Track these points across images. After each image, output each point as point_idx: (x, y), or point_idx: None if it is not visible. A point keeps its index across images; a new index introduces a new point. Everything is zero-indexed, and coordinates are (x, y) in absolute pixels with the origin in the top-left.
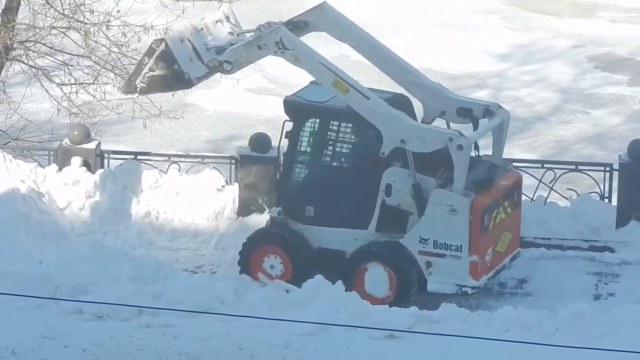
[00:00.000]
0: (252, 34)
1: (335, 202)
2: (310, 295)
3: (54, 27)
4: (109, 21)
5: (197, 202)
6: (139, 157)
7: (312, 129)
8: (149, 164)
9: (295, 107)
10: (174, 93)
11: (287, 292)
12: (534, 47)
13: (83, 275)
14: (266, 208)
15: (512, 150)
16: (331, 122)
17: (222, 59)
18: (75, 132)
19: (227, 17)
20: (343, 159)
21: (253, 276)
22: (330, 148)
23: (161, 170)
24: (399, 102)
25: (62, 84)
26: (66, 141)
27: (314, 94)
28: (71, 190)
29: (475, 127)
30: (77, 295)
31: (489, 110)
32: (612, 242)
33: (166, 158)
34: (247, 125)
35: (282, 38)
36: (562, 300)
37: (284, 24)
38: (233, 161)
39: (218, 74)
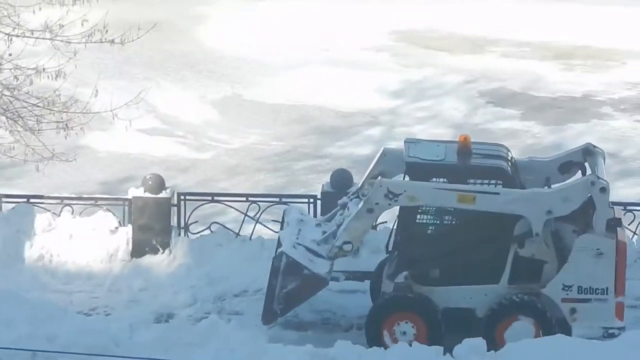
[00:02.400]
0: (358, 206)
1: (463, 259)
2: (206, 335)
3: None
4: (0, 64)
5: (90, 244)
6: (31, 200)
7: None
8: (42, 207)
9: (419, 168)
10: (67, 135)
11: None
12: (426, 84)
13: None
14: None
15: None
16: (455, 180)
17: (339, 243)
18: None
19: (302, 214)
20: (470, 216)
21: (383, 345)
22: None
23: (54, 213)
24: (502, 153)
25: None
26: None
27: (425, 153)
28: None
29: (584, 173)
30: None
31: (587, 151)
32: None
33: (59, 201)
34: (140, 167)
35: (389, 188)
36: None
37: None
38: (126, 203)
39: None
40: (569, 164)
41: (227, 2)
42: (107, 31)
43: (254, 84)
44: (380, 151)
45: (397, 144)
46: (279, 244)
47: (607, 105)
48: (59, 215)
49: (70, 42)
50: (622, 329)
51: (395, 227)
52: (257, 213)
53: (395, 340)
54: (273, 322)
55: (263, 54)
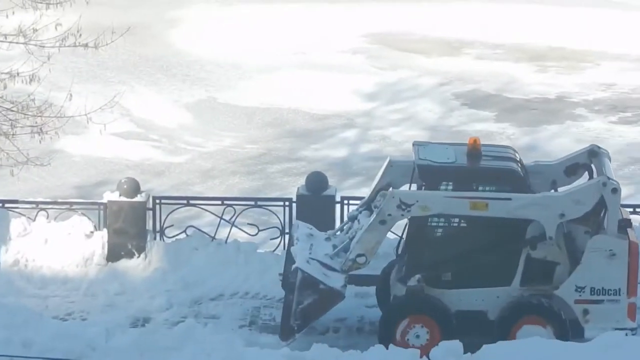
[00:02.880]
0: (371, 218)
1: (475, 261)
2: (182, 339)
3: None
4: None
5: (66, 249)
6: (6, 205)
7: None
8: (16, 212)
9: (432, 171)
10: (41, 140)
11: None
12: (401, 86)
13: None
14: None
15: None
16: (468, 182)
17: (353, 256)
18: None
19: (310, 229)
20: (482, 218)
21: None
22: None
23: (29, 218)
24: (510, 155)
25: None
26: None
27: (436, 155)
28: None
29: (591, 174)
30: None
31: (593, 152)
32: None
33: (34, 205)
34: (115, 171)
35: (401, 198)
36: None
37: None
38: (101, 207)
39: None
40: (575, 166)
41: (201, 6)
42: (80, 35)
43: (228, 87)
44: (386, 162)
45: (373, 147)
46: (288, 260)
47: (581, 107)
48: (34, 219)
49: (44, 46)
50: (634, 329)
51: (405, 230)
52: (232, 216)
53: (407, 343)
54: (291, 338)
55: (237, 58)
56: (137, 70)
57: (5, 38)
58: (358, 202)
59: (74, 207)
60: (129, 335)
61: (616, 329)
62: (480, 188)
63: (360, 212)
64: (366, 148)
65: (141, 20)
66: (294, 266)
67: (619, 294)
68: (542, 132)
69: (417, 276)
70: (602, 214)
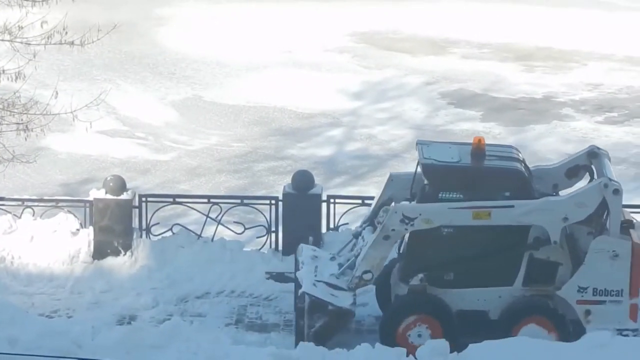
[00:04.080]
0: (374, 234)
1: (477, 261)
2: (168, 337)
3: None
4: None
5: (52, 246)
6: None
7: (451, 189)
8: (2, 209)
9: (436, 170)
10: (27, 137)
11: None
12: (387, 85)
13: None
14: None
15: (368, 188)
16: (470, 180)
17: (359, 273)
18: None
19: (315, 250)
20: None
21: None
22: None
23: (15, 215)
24: (514, 155)
25: None
26: None
27: (440, 154)
28: None
29: (592, 176)
30: None
31: (592, 153)
32: None
33: (20, 203)
34: (101, 168)
35: (404, 213)
36: None
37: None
38: (87, 204)
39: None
40: (575, 168)
41: (188, 4)
42: (66, 33)
43: (214, 85)
44: (387, 177)
45: (359, 146)
46: (297, 284)
47: (567, 107)
48: (20, 217)
49: (29, 44)
50: (636, 330)
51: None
52: (218, 214)
53: (409, 342)
54: None
55: (224, 56)
56: (123, 68)
57: None
58: (344, 200)
59: (60, 204)
60: (115, 332)
61: (618, 329)
62: (484, 183)
63: (364, 229)
64: (352, 147)
65: (128, 17)
66: (300, 291)
67: (621, 295)
68: (528, 132)
69: (420, 275)
70: (604, 215)
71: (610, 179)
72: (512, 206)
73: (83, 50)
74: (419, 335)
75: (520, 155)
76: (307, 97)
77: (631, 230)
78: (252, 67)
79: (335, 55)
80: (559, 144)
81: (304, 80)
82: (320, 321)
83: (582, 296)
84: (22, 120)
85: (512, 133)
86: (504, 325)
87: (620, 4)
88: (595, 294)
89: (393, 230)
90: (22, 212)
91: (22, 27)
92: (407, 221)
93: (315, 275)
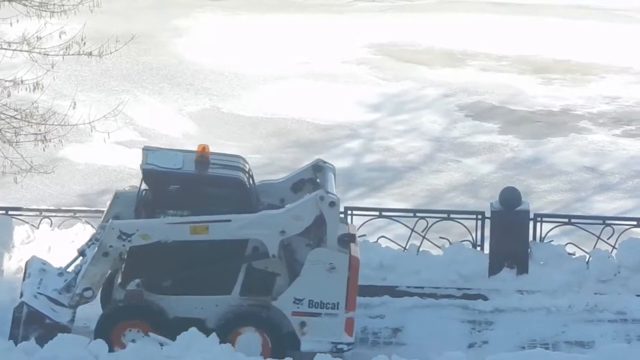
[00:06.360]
0: (94, 251)
1: (194, 269)
2: (184, 348)
3: None
4: None
5: (69, 257)
6: (10, 212)
7: (171, 197)
8: (20, 219)
9: (156, 176)
10: (45, 147)
11: (162, 345)
12: (405, 97)
13: None
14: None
15: (385, 200)
16: (191, 187)
17: (79, 290)
18: None
19: (44, 264)
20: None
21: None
22: (189, 214)
23: (33, 225)
24: (240, 164)
25: None
26: None
27: (164, 161)
28: None
29: (316, 187)
30: None
31: (317, 167)
32: (484, 289)
33: (38, 213)
34: (118, 179)
35: (121, 229)
36: (436, 349)
37: None
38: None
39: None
40: (301, 182)
41: (206, 15)
42: (84, 43)
43: (232, 96)
44: (113, 194)
45: (377, 158)
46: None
47: (585, 119)
48: (38, 227)
49: (48, 55)
50: (351, 344)
51: None
52: None
53: (123, 347)
54: None
55: (242, 67)
56: (141, 79)
57: (10, 46)
58: (362, 212)
59: (78, 215)
60: (132, 343)
61: (332, 343)
62: (202, 190)
63: (89, 246)
64: (370, 159)
65: (145, 29)
66: (19, 300)
67: (337, 308)
68: (546, 145)
69: (137, 281)
70: (324, 228)
71: (327, 192)
72: (230, 220)
73: (101, 61)
74: (133, 340)
75: (247, 166)
76: (324, 109)
77: (352, 244)
78: (269, 79)
79: (353, 67)
80: (576, 156)
81: (322, 92)
82: (35, 333)
83: (298, 308)
84: (40, 130)
85: (529, 146)
86: (220, 334)
87: (639, 17)
88: (310, 306)
89: (111, 247)
90: (39, 223)
91: (40, 38)
92: (124, 237)
93: (39, 288)
